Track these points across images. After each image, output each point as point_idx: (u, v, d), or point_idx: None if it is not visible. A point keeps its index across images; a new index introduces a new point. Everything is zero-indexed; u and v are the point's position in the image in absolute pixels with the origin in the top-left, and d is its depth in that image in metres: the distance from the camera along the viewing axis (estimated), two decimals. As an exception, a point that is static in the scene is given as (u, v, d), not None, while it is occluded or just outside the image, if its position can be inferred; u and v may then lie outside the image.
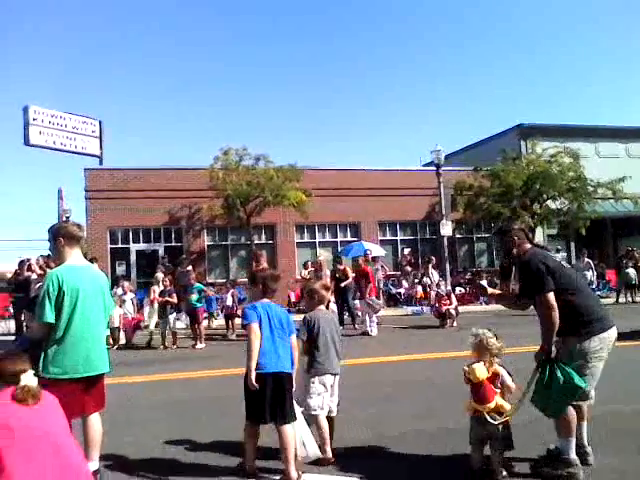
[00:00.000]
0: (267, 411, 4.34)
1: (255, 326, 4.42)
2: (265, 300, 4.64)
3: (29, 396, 2.98)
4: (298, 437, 4.52)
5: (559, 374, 4.13)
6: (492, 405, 4.23)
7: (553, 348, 4.24)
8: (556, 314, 4.16)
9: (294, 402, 4.61)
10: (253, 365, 4.34)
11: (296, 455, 4.43)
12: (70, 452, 2.99)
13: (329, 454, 4.77)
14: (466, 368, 4.27)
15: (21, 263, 14.49)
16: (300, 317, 5.36)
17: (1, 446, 2.71)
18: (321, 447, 4.76)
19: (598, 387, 4.41)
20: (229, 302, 14.47)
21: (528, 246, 4.58)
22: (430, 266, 20.13)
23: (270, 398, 4.35)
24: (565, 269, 4.54)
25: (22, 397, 2.96)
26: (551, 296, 4.19)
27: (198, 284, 13.60)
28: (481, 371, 4.23)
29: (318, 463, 4.69)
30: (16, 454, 2.72)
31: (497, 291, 5.17)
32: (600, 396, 4.59)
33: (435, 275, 20.13)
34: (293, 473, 4.30)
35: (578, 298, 4.32)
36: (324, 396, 4.87)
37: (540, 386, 4.24)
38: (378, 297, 17.26)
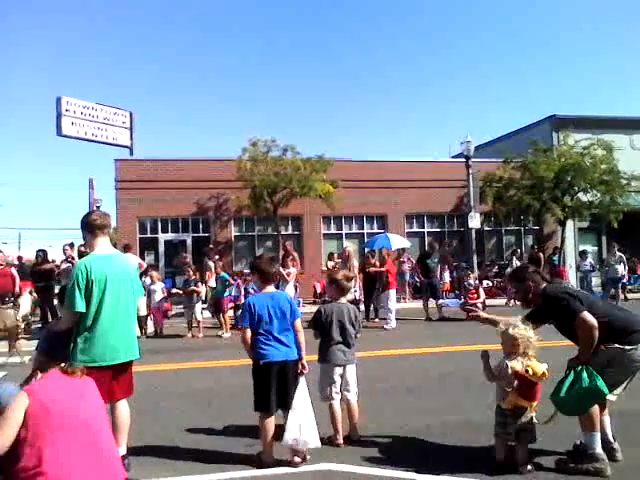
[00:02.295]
0: (273, 400, 4.52)
1: (247, 332, 4.59)
2: (267, 289, 4.76)
3: (77, 369, 3.07)
4: (298, 422, 4.63)
5: (585, 376, 4.13)
6: (535, 403, 4.25)
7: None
8: (596, 332, 4.16)
9: (303, 388, 4.75)
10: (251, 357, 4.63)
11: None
12: (104, 438, 3.05)
13: (340, 441, 4.97)
14: (517, 367, 4.19)
15: (40, 253, 14.64)
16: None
17: (39, 432, 2.77)
18: (332, 435, 4.99)
19: (638, 382, 4.39)
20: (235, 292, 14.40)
21: (544, 284, 4.63)
22: (515, 258, 19.68)
23: (276, 387, 4.52)
24: (588, 295, 4.68)
25: (72, 370, 3.05)
26: (587, 315, 4.19)
27: (223, 274, 13.77)
28: (542, 369, 4.21)
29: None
30: (52, 439, 2.79)
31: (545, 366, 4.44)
32: (636, 392, 4.54)
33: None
34: (297, 457, 4.56)
35: (611, 317, 4.33)
36: (333, 386, 5.03)
37: (562, 385, 4.23)
38: (399, 290, 17.27)
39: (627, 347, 4.19)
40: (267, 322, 4.58)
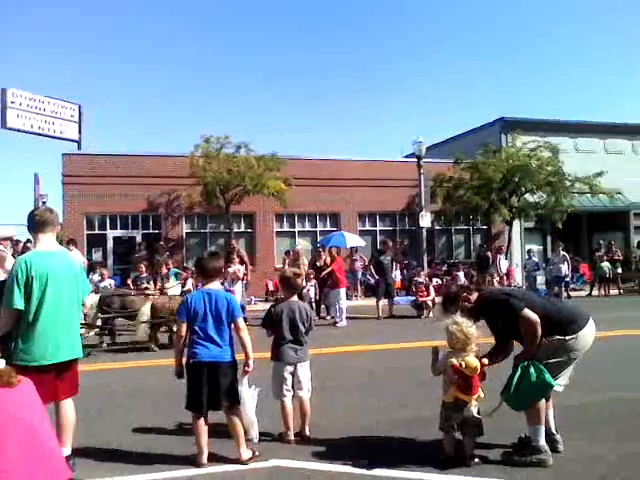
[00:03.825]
0: (204, 399, 4.44)
1: (182, 326, 4.55)
2: (209, 285, 4.68)
3: (2, 379, 2.95)
4: (248, 419, 4.70)
5: (532, 371, 4.26)
6: (476, 395, 4.34)
7: None
8: (539, 328, 4.28)
9: (242, 386, 4.76)
10: (176, 360, 4.59)
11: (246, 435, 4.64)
12: (44, 437, 2.97)
13: (291, 437, 5.01)
14: (454, 361, 4.30)
15: None
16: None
17: None
18: (283, 432, 5.04)
19: (578, 377, 4.54)
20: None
21: (477, 294, 4.72)
22: (501, 256, 19.81)
23: (207, 387, 4.44)
24: (524, 292, 4.85)
25: (5, 380, 2.92)
26: (528, 312, 4.30)
27: (174, 269, 13.66)
28: (475, 363, 4.30)
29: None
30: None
31: (485, 361, 4.50)
32: (580, 386, 4.71)
33: (504, 265, 19.63)
34: (244, 455, 4.50)
35: (549, 311, 4.46)
36: (284, 384, 5.06)
37: (511, 381, 4.35)
38: (350, 288, 17.48)
39: (567, 337, 4.35)
40: (202, 319, 4.50)
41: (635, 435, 4.98)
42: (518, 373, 4.32)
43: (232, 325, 4.58)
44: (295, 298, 5.32)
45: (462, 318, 4.45)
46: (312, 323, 5.34)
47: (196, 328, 4.50)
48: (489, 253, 20.74)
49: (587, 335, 4.43)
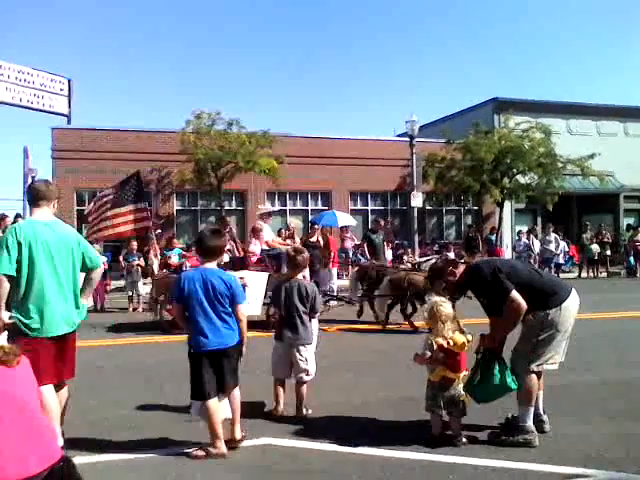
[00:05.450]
0: (206, 388, 4.21)
1: (178, 307, 4.35)
2: (206, 265, 4.38)
3: (9, 357, 2.93)
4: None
5: (496, 372, 4.29)
6: (463, 373, 4.39)
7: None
8: (523, 311, 4.27)
9: None
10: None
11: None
12: (35, 415, 2.97)
13: (279, 411, 5.07)
14: (440, 341, 4.32)
15: None
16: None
17: None
18: (273, 408, 5.10)
19: (565, 358, 4.57)
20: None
21: (463, 266, 4.66)
22: (532, 236, 20.04)
23: (210, 375, 4.23)
24: (513, 263, 4.84)
25: (3, 359, 2.90)
26: (516, 294, 4.27)
27: (177, 248, 13.53)
28: (462, 339, 4.34)
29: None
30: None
31: (469, 337, 4.48)
32: (567, 366, 4.76)
33: (537, 246, 19.93)
34: (238, 434, 4.42)
35: (535, 282, 4.46)
36: (279, 363, 5.13)
37: (473, 377, 4.39)
38: (340, 267, 17.48)
39: (550, 310, 4.35)
40: (198, 301, 4.21)
41: (621, 416, 5.05)
42: (482, 369, 4.35)
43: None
44: (299, 276, 5.25)
45: (438, 297, 4.48)
46: (316, 302, 5.19)
47: (194, 312, 4.23)
48: (478, 234, 20.78)
49: (570, 307, 4.42)
